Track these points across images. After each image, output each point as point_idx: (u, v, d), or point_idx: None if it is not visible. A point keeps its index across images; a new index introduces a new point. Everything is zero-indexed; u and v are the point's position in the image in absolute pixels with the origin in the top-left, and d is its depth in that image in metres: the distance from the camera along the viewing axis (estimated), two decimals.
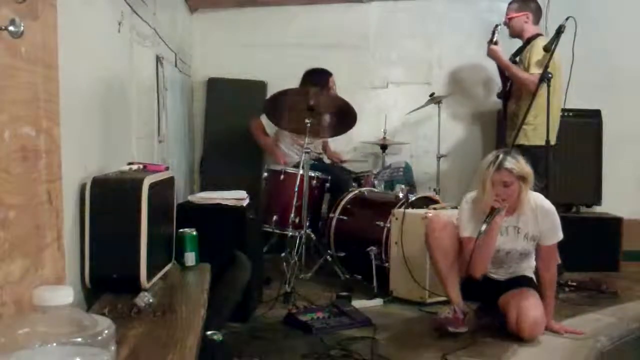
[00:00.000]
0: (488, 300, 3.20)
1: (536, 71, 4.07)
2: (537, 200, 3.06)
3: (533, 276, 3.21)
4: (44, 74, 1.62)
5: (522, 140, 4.12)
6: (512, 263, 3.17)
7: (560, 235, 3.10)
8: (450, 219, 3.23)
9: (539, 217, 3.05)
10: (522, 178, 2.94)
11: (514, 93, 4.36)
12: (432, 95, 4.89)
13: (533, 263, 3.21)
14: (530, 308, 2.98)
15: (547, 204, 3.09)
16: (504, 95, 4.49)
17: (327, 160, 5.00)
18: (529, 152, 4.03)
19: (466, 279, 3.14)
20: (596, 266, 4.49)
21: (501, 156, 2.96)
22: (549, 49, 4.00)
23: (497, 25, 4.44)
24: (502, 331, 3.07)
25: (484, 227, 2.94)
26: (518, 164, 2.94)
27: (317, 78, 4.65)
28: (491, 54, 4.41)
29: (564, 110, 4.29)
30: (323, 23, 5.32)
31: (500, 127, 5.10)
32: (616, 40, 5.08)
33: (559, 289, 3.87)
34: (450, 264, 3.13)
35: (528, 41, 4.31)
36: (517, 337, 2.98)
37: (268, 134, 4.77)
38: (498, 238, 3.03)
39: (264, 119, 4.60)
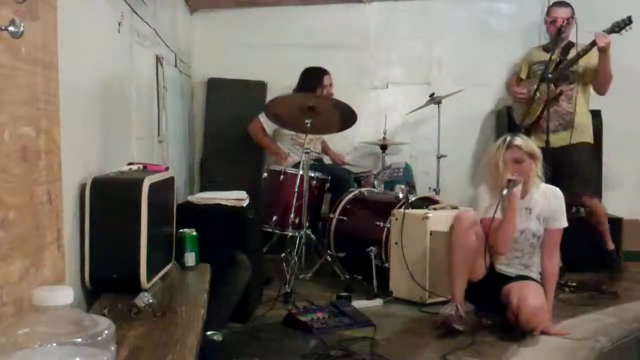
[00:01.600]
0: (493, 301, 3.19)
1: None
2: (546, 185, 3.17)
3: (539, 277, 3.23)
4: (43, 75, 1.62)
5: (587, 138, 4.31)
6: (525, 248, 3.16)
7: (565, 221, 3.18)
8: (476, 216, 3.18)
9: (550, 199, 3.15)
10: (531, 155, 3.07)
11: (567, 93, 4.35)
12: (432, 95, 4.88)
13: (539, 259, 3.22)
14: (530, 296, 2.99)
15: (555, 188, 3.21)
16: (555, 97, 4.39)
17: (327, 161, 5.00)
18: (591, 150, 4.19)
19: (473, 283, 3.14)
20: (596, 266, 4.48)
21: (509, 136, 3.10)
22: (549, 50, 3.99)
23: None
24: (502, 331, 3.07)
25: (505, 191, 3.00)
26: (526, 141, 3.10)
27: (312, 76, 4.66)
28: (607, 44, 4.24)
29: None
30: (323, 23, 5.32)
31: (500, 127, 5.10)
32: (616, 40, 5.07)
33: (559, 289, 3.88)
34: (466, 266, 3.11)
35: (570, 44, 4.33)
36: (515, 326, 2.98)
37: (268, 134, 4.77)
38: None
39: (262, 118, 4.60)
